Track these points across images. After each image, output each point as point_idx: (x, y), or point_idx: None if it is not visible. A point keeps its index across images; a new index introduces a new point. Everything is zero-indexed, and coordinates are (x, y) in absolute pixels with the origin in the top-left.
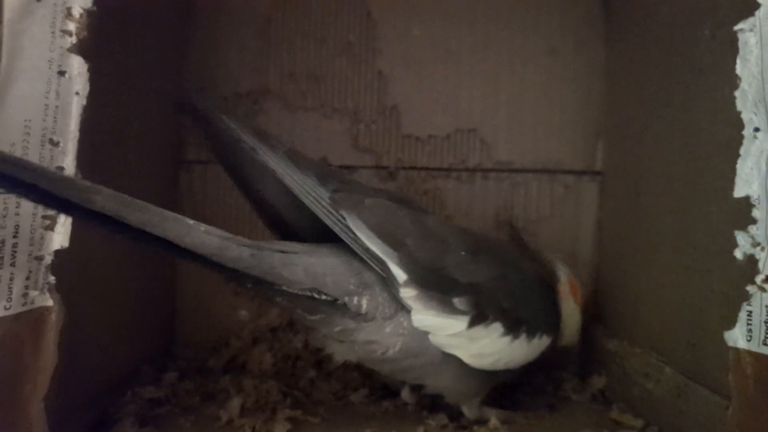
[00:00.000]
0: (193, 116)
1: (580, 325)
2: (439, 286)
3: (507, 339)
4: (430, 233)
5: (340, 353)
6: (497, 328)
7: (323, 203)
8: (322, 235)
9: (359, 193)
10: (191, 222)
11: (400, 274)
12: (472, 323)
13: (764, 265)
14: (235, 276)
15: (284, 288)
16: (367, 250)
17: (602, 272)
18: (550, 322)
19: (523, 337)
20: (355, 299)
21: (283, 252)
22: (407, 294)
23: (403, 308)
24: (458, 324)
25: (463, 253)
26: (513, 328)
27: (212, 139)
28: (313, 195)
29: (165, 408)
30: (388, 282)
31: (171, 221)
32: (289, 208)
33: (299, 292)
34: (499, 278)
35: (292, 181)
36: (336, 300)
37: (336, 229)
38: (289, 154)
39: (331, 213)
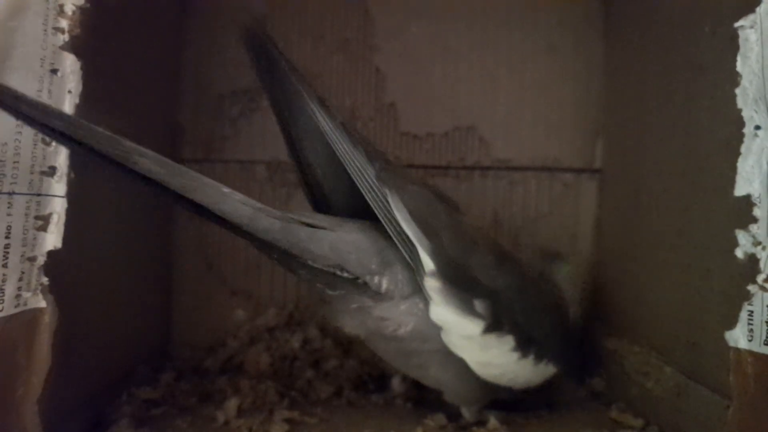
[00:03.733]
0: (257, 57)
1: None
2: (463, 284)
3: (516, 355)
4: (462, 231)
5: (350, 327)
6: (509, 341)
7: (368, 178)
8: (355, 210)
9: (404, 178)
10: (227, 190)
11: (428, 263)
12: (487, 330)
13: (765, 265)
14: (263, 245)
15: (309, 262)
16: (402, 232)
17: (601, 271)
18: (560, 351)
19: (531, 357)
20: (376, 278)
21: (311, 226)
22: (431, 284)
23: (422, 290)
24: (473, 327)
25: (491, 258)
26: (524, 345)
27: (271, 87)
28: (361, 168)
29: (161, 409)
30: (414, 268)
31: (208, 188)
32: (330, 176)
33: (323, 268)
34: (520, 292)
35: (343, 150)
36: (357, 278)
37: (375, 206)
38: (344, 124)
39: (373, 189)
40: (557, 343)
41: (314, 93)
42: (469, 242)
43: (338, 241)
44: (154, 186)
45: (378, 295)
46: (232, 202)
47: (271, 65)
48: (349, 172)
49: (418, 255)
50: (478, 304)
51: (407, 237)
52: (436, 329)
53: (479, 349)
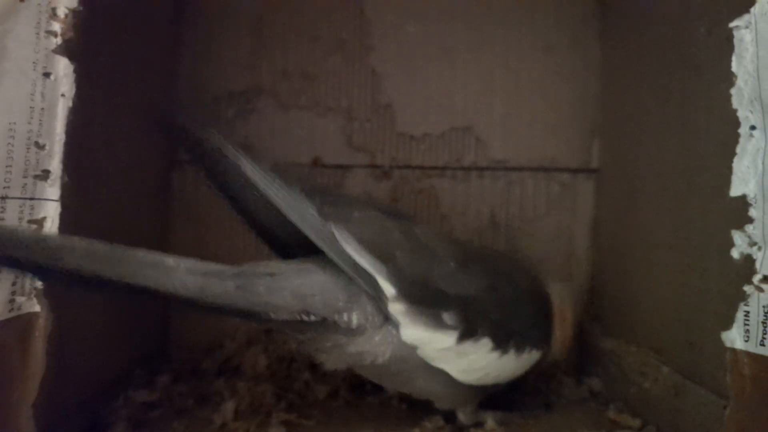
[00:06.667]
0: (179, 133)
1: (568, 342)
2: (428, 300)
3: (496, 354)
4: (419, 245)
5: (330, 362)
6: (486, 343)
7: (309, 217)
8: (313, 246)
9: (347, 206)
10: (172, 263)
11: (388, 289)
12: (461, 338)
13: (761, 265)
14: (219, 310)
15: (271, 315)
16: (355, 264)
17: (598, 271)
18: (541, 335)
19: (512, 351)
20: (345, 315)
21: (271, 275)
22: (396, 309)
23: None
24: (447, 339)
25: (452, 264)
26: (502, 342)
27: (199, 156)
28: (299, 209)
29: (158, 411)
30: (376, 297)
31: (150, 268)
32: (278, 222)
33: (287, 318)
34: (489, 290)
35: (276, 195)
36: (326, 319)
37: (323, 245)
38: (273, 168)
39: (317, 228)
40: (537, 327)
41: (234, 145)
42: (428, 255)
43: (300, 286)
44: (86, 283)
45: (350, 331)
46: (179, 275)
47: (192, 140)
48: (288, 217)
49: (376, 282)
50: (447, 316)
51: (362, 267)
52: (413, 348)
53: (457, 357)
